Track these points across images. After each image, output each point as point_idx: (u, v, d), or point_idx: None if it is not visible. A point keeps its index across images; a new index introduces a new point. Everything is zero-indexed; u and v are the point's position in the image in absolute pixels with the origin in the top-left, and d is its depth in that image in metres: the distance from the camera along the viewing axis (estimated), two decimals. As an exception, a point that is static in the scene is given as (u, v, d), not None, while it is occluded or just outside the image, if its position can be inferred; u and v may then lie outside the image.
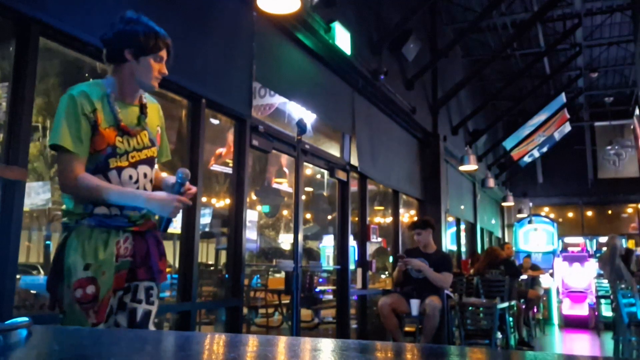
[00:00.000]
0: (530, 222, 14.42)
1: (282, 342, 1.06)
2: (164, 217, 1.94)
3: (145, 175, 2.02)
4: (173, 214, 1.92)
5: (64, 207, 1.96)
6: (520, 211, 15.59)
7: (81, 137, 1.88)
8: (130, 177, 1.97)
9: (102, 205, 1.92)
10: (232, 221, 4.18)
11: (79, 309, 1.85)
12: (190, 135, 3.81)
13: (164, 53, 2.04)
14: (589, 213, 16.84)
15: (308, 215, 8.52)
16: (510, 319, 6.40)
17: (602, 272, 9.25)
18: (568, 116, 13.15)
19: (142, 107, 2.06)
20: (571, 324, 9.88)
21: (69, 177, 1.88)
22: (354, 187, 6.27)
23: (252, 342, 1.03)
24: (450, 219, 10.00)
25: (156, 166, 2.16)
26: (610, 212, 16.94)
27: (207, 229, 4.80)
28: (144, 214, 2.02)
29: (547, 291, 10.19)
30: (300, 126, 2.50)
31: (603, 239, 13.95)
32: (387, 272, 8.01)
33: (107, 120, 1.93)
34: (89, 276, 1.86)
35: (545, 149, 14.10)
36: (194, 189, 2.04)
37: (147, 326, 2.00)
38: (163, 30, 2.05)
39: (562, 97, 12.00)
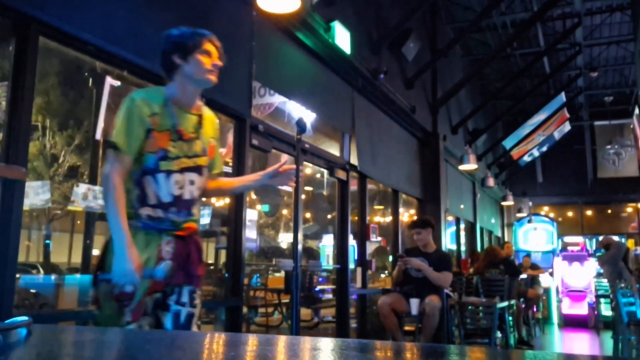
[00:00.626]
0: (529, 221, 14.42)
1: (282, 341, 1.07)
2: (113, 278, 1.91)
3: (192, 182, 2.06)
4: (122, 279, 1.88)
5: None
6: (519, 210, 15.60)
7: (132, 138, 1.95)
8: (177, 182, 2.01)
9: (146, 206, 1.98)
10: (232, 220, 4.18)
11: (116, 306, 1.89)
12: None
13: (209, 46, 2.08)
14: (589, 212, 16.85)
15: (308, 215, 8.52)
16: (510, 318, 6.40)
17: (601, 271, 9.27)
18: (568, 115, 13.16)
19: (199, 117, 2.11)
20: (571, 323, 9.89)
21: (106, 169, 1.95)
22: (353, 187, 6.27)
23: (251, 342, 1.04)
24: (450, 218, 10.01)
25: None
26: (609, 211, 16.95)
27: (206, 228, 4.80)
28: (187, 219, 2.06)
29: (547, 290, 10.19)
30: (300, 125, 2.51)
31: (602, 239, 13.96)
32: (386, 272, 8.02)
33: (164, 124, 2.00)
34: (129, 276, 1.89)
35: (545, 149, 14.10)
36: None
37: (190, 328, 2.05)
38: (201, 29, 2.11)
39: (562, 97, 12.01)
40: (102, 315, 1.92)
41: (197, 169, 2.08)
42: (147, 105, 1.99)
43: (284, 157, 2.37)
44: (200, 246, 2.15)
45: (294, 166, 2.28)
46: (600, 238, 13.95)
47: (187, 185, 2.04)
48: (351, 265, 6.01)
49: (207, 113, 2.19)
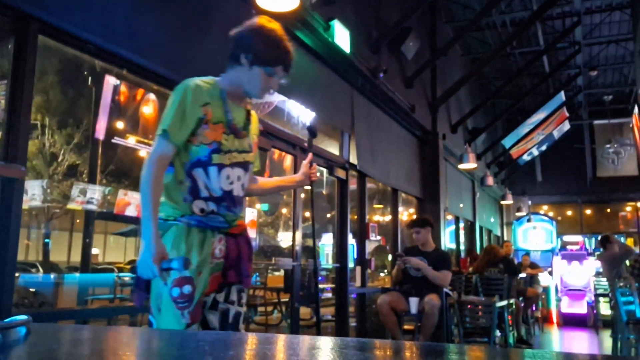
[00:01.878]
0: (529, 220, 14.43)
1: (281, 340, 1.07)
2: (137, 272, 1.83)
3: (239, 178, 2.00)
4: (143, 273, 1.80)
5: (162, 199, 1.93)
6: (519, 209, 15.61)
7: (182, 127, 1.88)
8: (228, 176, 1.96)
9: (198, 199, 1.92)
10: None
11: (175, 308, 1.84)
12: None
13: (279, 70, 2.00)
14: (588, 211, 16.86)
15: (307, 214, 8.52)
16: (509, 317, 6.41)
17: (601, 270, 9.28)
18: (567, 114, 13.16)
19: (247, 113, 2.07)
20: (570, 322, 9.90)
21: (151, 155, 1.89)
22: (353, 186, 6.27)
23: (251, 341, 1.04)
24: (449, 217, 10.01)
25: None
26: (609, 210, 16.96)
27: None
28: (238, 216, 2.03)
29: (546, 289, 10.20)
30: (311, 131, 2.48)
31: (602, 238, 13.96)
32: (386, 271, 8.02)
33: (218, 116, 1.94)
34: (187, 275, 1.84)
35: (544, 147, 14.11)
36: None
37: (237, 327, 2.02)
38: (290, 48, 2.02)
39: (562, 96, 12.01)
40: (162, 318, 1.85)
41: (244, 165, 2.02)
42: (201, 94, 1.92)
43: (310, 155, 2.34)
44: (251, 244, 2.11)
45: (314, 165, 2.31)
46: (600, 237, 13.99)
47: (236, 181, 1.99)
48: (350, 264, 6.01)
49: (253, 109, 2.15)
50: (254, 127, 2.14)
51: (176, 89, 1.93)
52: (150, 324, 1.91)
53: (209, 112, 1.92)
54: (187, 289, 1.84)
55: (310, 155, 2.30)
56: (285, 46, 1.99)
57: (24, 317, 0.98)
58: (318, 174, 2.32)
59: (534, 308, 8.83)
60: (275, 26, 2.00)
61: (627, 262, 7.46)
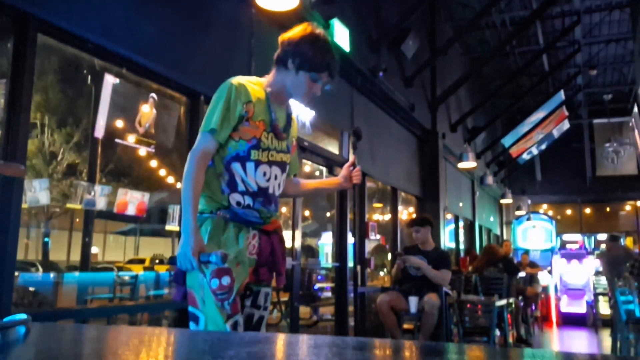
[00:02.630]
0: (528, 219, 14.42)
1: (281, 339, 1.07)
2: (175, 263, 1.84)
3: (275, 177, 2.03)
4: (182, 265, 1.82)
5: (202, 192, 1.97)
6: (518, 208, 15.61)
7: (225, 124, 1.92)
8: (265, 173, 1.99)
9: (236, 192, 1.95)
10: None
11: (215, 300, 1.85)
12: (189, 132, 3.80)
13: (324, 76, 2.05)
14: (587, 210, 16.87)
15: (307, 213, 8.52)
16: (508, 316, 6.41)
17: (600, 269, 9.29)
18: (567, 114, 13.16)
19: (289, 117, 2.12)
20: (569, 321, 9.90)
21: (194, 150, 1.93)
22: (352, 185, 6.26)
23: (250, 340, 1.04)
24: (449, 216, 10.01)
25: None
26: (608, 209, 16.97)
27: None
28: (273, 214, 2.04)
29: (546, 288, 10.21)
30: (357, 134, 2.46)
31: (601, 237, 13.99)
32: (385, 270, 8.02)
33: (260, 114, 1.98)
34: (225, 266, 1.85)
35: (543, 147, 14.12)
36: None
37: (259, 330, 2.03)
38: (337, 56, 2.07)
39: (561, 95, 12.01)
40: (206, 312, 1.86)
41: (282, 165, 2.06)
42: (245, 92, 1.97)
43: (352, 157, 2.28)
44: (284, 241, 2.12)
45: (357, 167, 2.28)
46: (599, 236, 14.00)
47: (272, 179, 2.02)
48: (350, 264, 6.01)
49: (293, 112, 2.20)
50: (294, 130, 2.19)
51: (220, 87, 1.98)
52: (192, 316, 1.90)
53: (251, 109, 1.96)
54: (225, 280, 1.86)
55: (353, 157, 2.27)
56: (332, 54, 2.05)
57: (23, 316, 0.98)
58: (360, 177, 2.29)
59: (533, 307, 8.84)
60: (323, 33, 2.06)
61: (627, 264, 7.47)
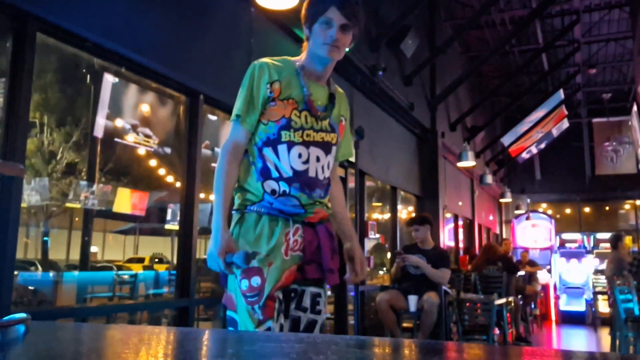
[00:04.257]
0: (528, 218, 14.44)
1: (280, 337, 1.07)
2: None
3: (317, 159, 1.81)
4: (211, 266, 1.69)
5: (237, 184, 1.84)
6: (518, 207, 15.61)
7: (250, 110, 1.80)
8: (300, 155, 1.78)
9: (269, 179, 1.78)
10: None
11: (245, 302, 1.70)
12: (189, 131, 3.80)
13: (334, 15, 1.80)
14: (587, 209, 16.87)
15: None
16: (508, 314, 6.42)
17: (599, 268, 9.30)
18: (566, 112, 13.16)
19: (331, 96, 1.92)
20: (568, 319, 9.92)
21: (225, 143, 1.82)
22: (351, 184, 6.27)
23: (250, 339, 1.04)
24: (448, 215, 10.02)
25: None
26: (607, 208, 16.98)
27: (205, 225, 4.80)
28: (317, 200, 1.82)
29: (545, 287, 10.22)
30: (359, 133, 2.44)
31: (600, 235, 14.01)
32: (385, 269, 8.02)
33: (288, 92, 1.81)
34: (255, 266, 1.70)
35: (543, 146, 14.11)
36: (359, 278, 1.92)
37: None
38: None
39: (560, 94, 12.01)
40: (239, 317, 1.72)
41: (325, 146, 1.83)
42: (269, 72, 1.81)
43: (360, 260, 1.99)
44: (333, 234, 1.89)
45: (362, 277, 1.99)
46: (598, 235, 14.01)
47: (313, 161, 1.80)
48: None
49: (339, 89, 2.01)
50: (342, 108, 1.99)
51: (247, 71, 1.85)
52: (230, 321, 1.77)
53: (276, 89, 1.80)
54: (255, 280, 1.70)
55: (360, 259, 1.97)
56: None
57: (23, 315, 0.98)
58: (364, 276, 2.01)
59: (532, 306, 8.85)
60: None
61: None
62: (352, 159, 2.11)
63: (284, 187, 1.77)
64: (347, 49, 1.94)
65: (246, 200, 1.80)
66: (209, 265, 1.69)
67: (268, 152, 1.79)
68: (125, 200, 3.66)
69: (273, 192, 1.77)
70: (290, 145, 1.77)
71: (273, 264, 1.72)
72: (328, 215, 1.89)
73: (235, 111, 1.81)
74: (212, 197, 1.83)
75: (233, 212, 1.82)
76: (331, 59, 1.85)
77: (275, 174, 1.78)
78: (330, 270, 1.82)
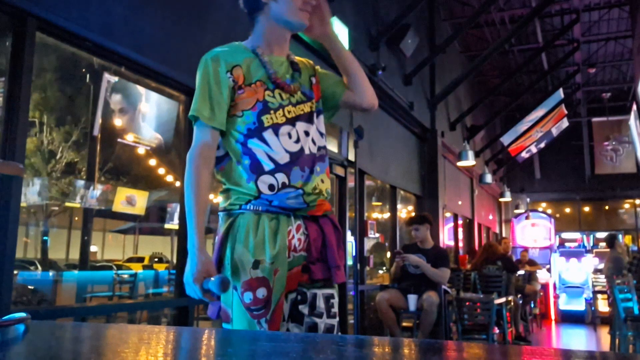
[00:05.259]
0: (527, 217, 14.45)
1: (280, 337, 1.07)
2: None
3: (307, 133, 1.66)
4: (188, 292, 1.52)
5: (223, 187, 1.66)
6: (517, 207, 15.62)
7: (216, 106, 1.60)
8: (290, 135, 1.62)
9: (264, 174, 1.59)
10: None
11: (249, 317, 1.53)
12: (188, 130, 3.80)
13: None
14: (586, 208, 16.88)
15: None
16: (507, 314, 6.42)
17: (599, 267, 9.30)
18: (566, 112, 13.17)
19: (293, 64, 1.75)
20: (568, 319, 9.92)
21: (190, 149, 1.60)
22: (351, 183, 6.27)
23: (250, 338, 1.04)
24: (448, 214, 10.02)
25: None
26: (607, 207, 16.98)
27: (204, 225, 4.79)
28: (315, 188, 1.64)
29: (544, 286, 10.23)
30: (358, 133, 2.40)
31: (600, 235, 14.02)
32: (384, 268, 8.03)
33: (253, 75, 1.64)
34: (260, 276, 1.54)
35: (542, 145, 14.12)
36: None
37: None
38: None
39: (560, 93, 12.01)
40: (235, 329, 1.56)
41: (308, 117, 1.68)
42: (224, 60, 1.64)
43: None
44: (339, 227, 1.73)
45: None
46: (598, 234, 14.03)
47: (303, 137, 1.64)
48: (349, 262, 6.02)
49: (297, 57, 1.82)
50: (308, 71, 1.81)
51: (198, 67, 1.67)
52: None
53: (240, 75, 1.63)
54: (261, 292, 1.53)
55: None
56: None
57: (22, 314, 0.98)
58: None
59: (532, 305, 8.85)
60: None
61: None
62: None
63: (282, 178, 1.59)
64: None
65: (239, 199, 1.61)
66: (188, 293, 1.52)
67: (254, 143, 1.61)
68: (125, 199, 3.66)
69: (271, 187, 1.59)
70: (276, 127, 1.61)
71: (279, 272, 1.56)
72: (330, 207, 1.73)
73: (195, 112, 1.60)
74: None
75: (220, 213, 1.65)
76: (305, 25, 1.71)
77: (269, 166, 1.59)
78: (337, 266, 1.66)
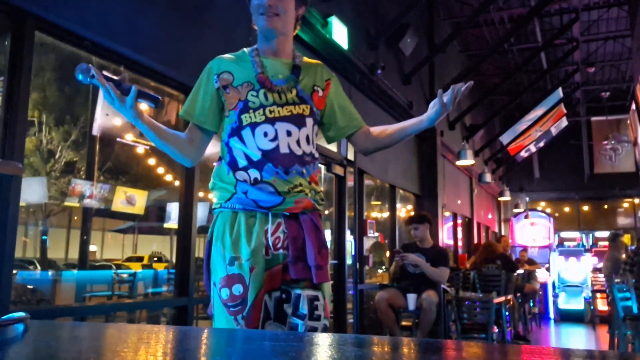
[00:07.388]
0: (526, 216, 14.46)
1: (279, 336, 1.07)
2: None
3: (288, 133, 1.68)
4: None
5: (215, 185, 1.75)
6: (516, 206, 15.64)
7: (195, 101, 1.76)
8: (266, 133, 1.66)
9: (238, 170, 1.67)
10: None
11: (227, 313, 1.57)
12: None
13: None
14: (585, 208, 16.89)
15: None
16: (507, 313, 6.43)
17: (599, 266, 9.31)
18: (565, 111, 13.17)
19: (295, 68, 1.77)
20: (567, 317, 9.93)
21: None
22: (350, 182, 6.27)
23: (249, 338, 1.04)
24: (447, 213, 10.02)
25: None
26: (606, 206, 16.99)
27: (204, 224, 4.80)
28: (294, 186, 1.67)
29: (544, 285, 10.24)
30: None
31: (599, 234, 14.04)
32: (384, 267, 8.03)
33: (242, 76, 1.73)
34: (236, 272, 1.57)
35: (542, 144, 14.13)
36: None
37: None
38: None
39: (559, 92, 12.02)
40: (216, 326, 1.59)
41: (295, 119, 1.70)
42: (219, 64, 1.76)
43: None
44: (320, 225, 1.71)
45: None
46: (597, 233, 14.04)
47: (284, 136, 1.67)
48: (349, 261, 6.02)
49: (313, 60, 1.86)
50: (317, 78, 1.81)
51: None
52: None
53: (225, 78, 1.73)
54: (237, 289, 1.57)
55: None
56: None
57: (21, 314, 0.98)
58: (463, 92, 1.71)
59: (531, 304, 8.86)
60: None
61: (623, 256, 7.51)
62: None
63: (254, 174, 1.65)
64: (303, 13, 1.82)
65: (221, 196, 1.69)
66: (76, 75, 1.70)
67: (234, 142, 1.70)
68: (124, 199, 3.65)
69: (245, 181, 1.67)
70: (254, 126, 1.67)
71: (255, 269, 1.59)
72: (314, 205, 1.72)
73: (185, 110, 1.78)
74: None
75: (213, 211, 1.74)
76: (272, 29, 1.72)
77: (243, 162, 1.67)
78: (318, 266, 1.63)
